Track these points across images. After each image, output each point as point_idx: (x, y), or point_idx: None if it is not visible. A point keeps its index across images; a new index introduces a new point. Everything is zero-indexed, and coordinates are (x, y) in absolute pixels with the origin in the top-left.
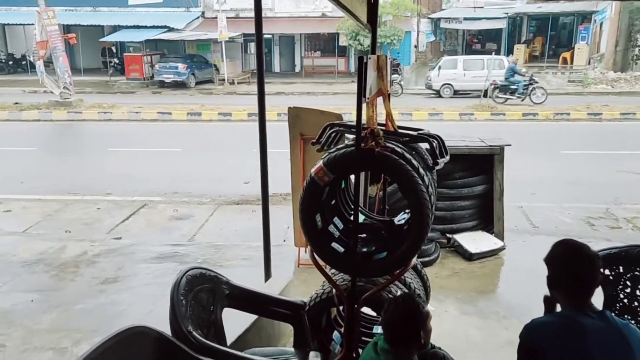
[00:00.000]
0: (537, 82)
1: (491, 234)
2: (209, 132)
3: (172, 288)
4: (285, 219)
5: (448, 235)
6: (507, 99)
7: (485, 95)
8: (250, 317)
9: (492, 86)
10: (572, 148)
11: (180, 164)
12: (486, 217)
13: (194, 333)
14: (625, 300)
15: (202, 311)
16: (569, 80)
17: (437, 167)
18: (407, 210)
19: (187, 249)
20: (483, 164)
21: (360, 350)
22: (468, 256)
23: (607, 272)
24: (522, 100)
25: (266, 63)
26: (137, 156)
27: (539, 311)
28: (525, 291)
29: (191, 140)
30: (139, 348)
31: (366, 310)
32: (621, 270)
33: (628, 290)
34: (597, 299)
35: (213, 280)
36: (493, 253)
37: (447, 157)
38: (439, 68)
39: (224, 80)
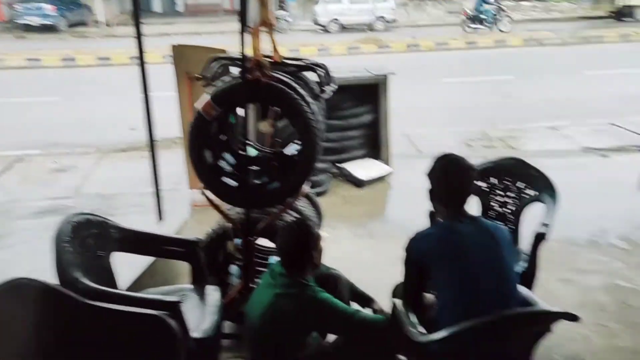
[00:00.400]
0: (504, 11)
1: (379, 161)
2: (88, 79)
3: (55, 236)
4: (177, 163)
5: (339, 165)
6: (477, 28)
7: (371, 29)
8: (147, 262)
9: (463, 16)
10: (452, 76)
11: (59, 113)
12: (374, 145)
13: (82, 280)
14: (497, 207)
15: (90, 257)
16: (448, 12)
17: (325, 96)
18: (296, 141)
19: (72, 201)
20: (370, 94)
21: (258, 282)
22: (358, 183)
23: (481, 183)
24: (491, 29)
25: (145, 2)
26: (4, 108)
27: (425, 227)
28: (412, 210)
29: (68, 88)
30: (22, 302)
31: (262, 242)
32: (494, 181)
33: (499, 198)
34: (475, 209)
35: (101, 225)
36: (382, 178)
37: (334, 86)
38: (325, 3)
39: (99, 22)
